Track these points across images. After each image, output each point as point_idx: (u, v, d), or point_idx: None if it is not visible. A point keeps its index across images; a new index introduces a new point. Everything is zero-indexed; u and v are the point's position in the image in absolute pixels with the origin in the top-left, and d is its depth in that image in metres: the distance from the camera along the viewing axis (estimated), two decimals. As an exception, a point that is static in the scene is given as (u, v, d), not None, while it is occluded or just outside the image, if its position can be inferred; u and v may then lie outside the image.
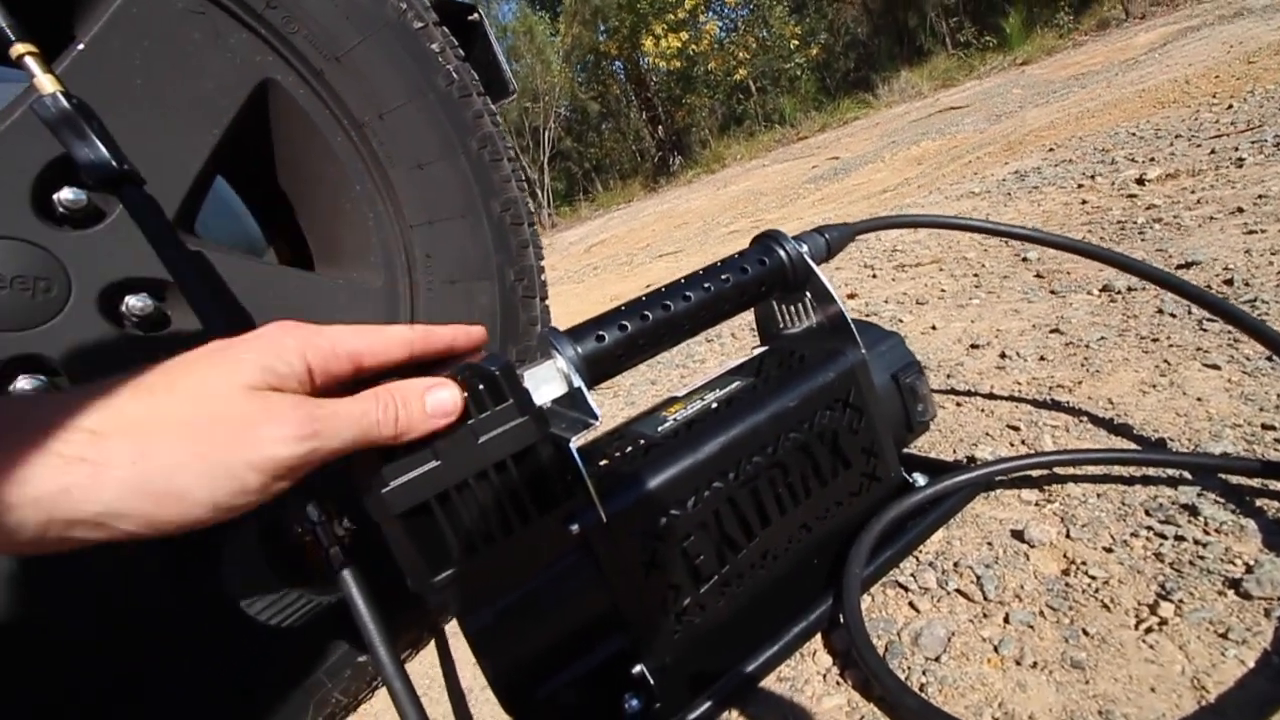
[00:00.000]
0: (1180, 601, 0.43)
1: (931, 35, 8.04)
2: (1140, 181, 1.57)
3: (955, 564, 0.54)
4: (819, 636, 0.52)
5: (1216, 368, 0.68)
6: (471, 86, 0.86)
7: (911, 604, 0.51)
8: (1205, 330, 0.77)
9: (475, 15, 1.11)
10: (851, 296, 1.46)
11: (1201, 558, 0.46)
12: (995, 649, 0.45)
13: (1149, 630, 0.42)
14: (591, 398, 0.48)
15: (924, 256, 1.59)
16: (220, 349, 0.34)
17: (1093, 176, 1.78)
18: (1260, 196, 1.15)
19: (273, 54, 0.73)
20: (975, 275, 1.31)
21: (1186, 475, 0.54)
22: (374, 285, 0.76)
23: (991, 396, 0.79)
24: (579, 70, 10.06)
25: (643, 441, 0.54)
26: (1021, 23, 6.91)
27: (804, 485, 0.54)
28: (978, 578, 0.51)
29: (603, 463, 0.53)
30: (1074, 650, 0.43)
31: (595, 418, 0.47)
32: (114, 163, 0.53)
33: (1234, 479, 0.52)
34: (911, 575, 0.54)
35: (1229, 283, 0.87)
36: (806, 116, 8.13)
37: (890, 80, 7.48)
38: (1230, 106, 2.05)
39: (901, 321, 1.19)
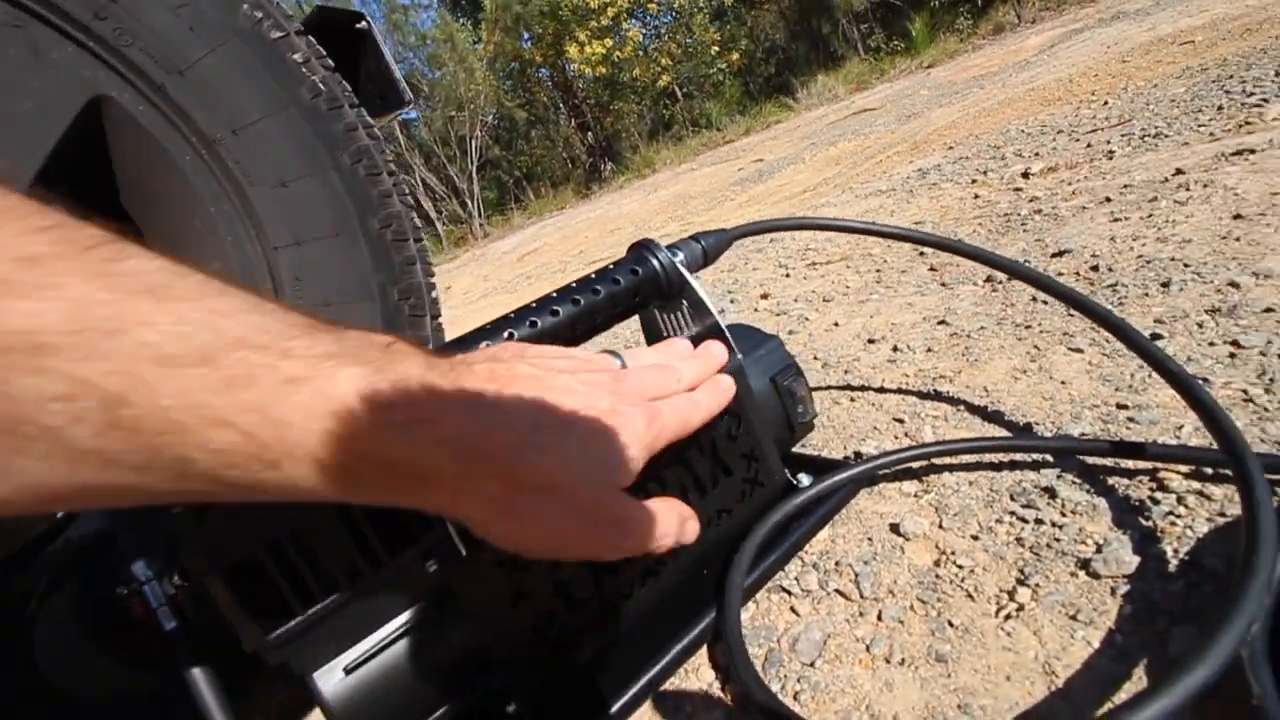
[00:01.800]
0: (1036, 585, 0.44)
1: (844, 41, 8.37)
2: (1025, 175, 1.67)
3: (837, 563, 0.54)
4: (704, 651, 0.50)
5: (1080, 351, 0.72)
6: (343, 98, 0.82)
7: (793, 608, 0.51)
8: (1072, 315, 0.81)
9: (363, 24, 1.06)
10: (765, 296, 1.49)
11: (1057, 540, 0.48)
12: (867, 648, 0.45)
13: (1007, 617, 0.43)
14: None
15: (834, 254, 1.64)
16: (604, 431, 0.32)
17: (985, 172, 1.88)
18: (1125, 186, 1.23)
19: (104, 69, 0.67)
20: (877, 271, 1.35)
21: (1048, 459, 0.57)
22: (237, 313, 0.71)
23: (882, 390, 0.81)
24: (504, 78, 9.94)
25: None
26: (926, 27, 7.28)
27: (683, 497, 0.53)
28: (856, 576, 0.51)
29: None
30: (939, 643, 0.43)
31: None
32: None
33: (1089, 459, 0.54)
34: (795, 578, 0.54)
35: (1095, 269, 0.92)
36: (731, 121, 8.31)
37: (808, 84, 7.74)
38: (1105, 103, 2.20)
39: (808, 319, 1.21)
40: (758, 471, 0.57)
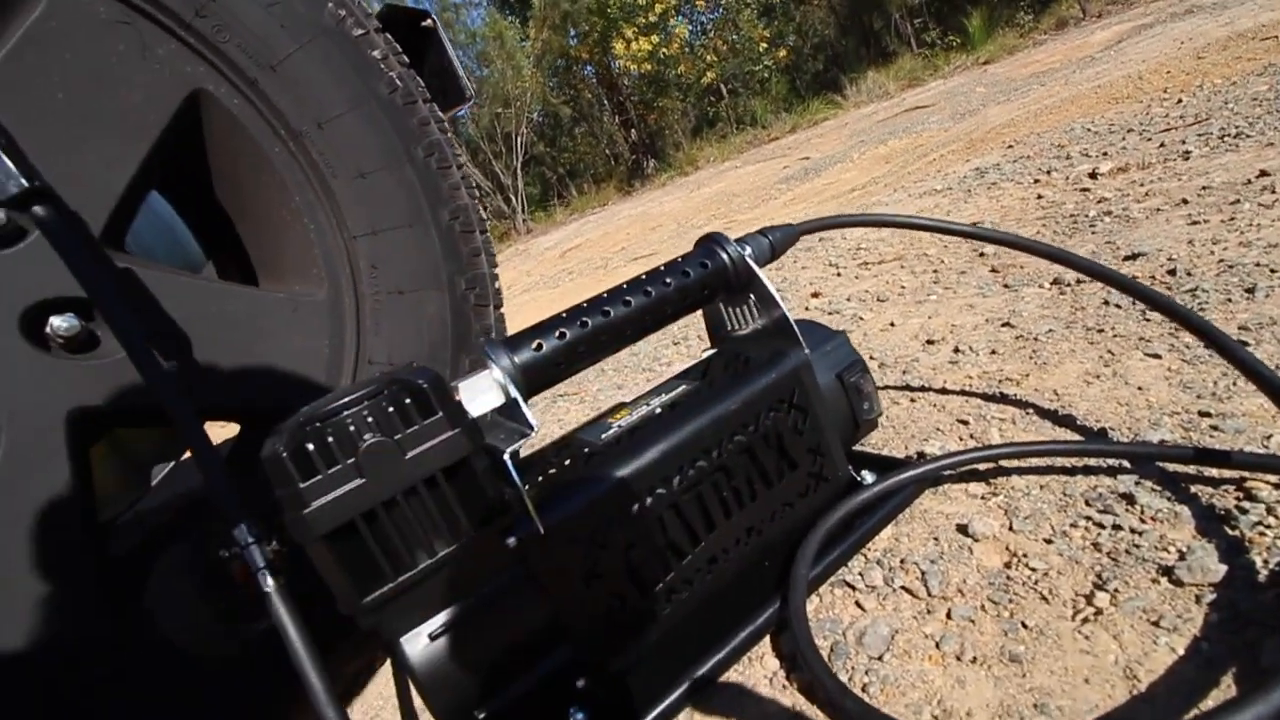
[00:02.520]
0: (1115, 591, 0.44)
1: (896, 36, 8.17)
2: (1093, 176, 1.61)
3: (902, 561, 0.54)
4: (768, 639, 0.51)
5: (1158, 357, 0.69)
6: (417, 93, 0.85)
7: (858, 603, 0.51)
8: (1148, 320, 0.78)
9: (429, 22, 1.09)
10: (815, 295, 1.47)
11: (1137, 546, 0.46)
12: (937, 645, 0.45)
13: (1085, 621, 0.43)
14: (528, 409, 0.47)
15: (887, 254, 1.61)
16: None
17: (1049, 172, 1.82)
18: (1204, 188, 1.17)
19: (203, 64, 0.71)
20: (934, 271, 1.33)
21: (1125, 464, 0.55)
22: (318, 297, 0.75)
23: (944, 391, 0.80)
24: (550, 75, 10.04)
25: (585, 450, 0.53)
26: (983, 23, 7.05)
27: (749, 488, 0.53)
28: (923, 574, 0.51)
29: (544, 474, 0.52)
30: (1012, 644, 0.43)
31: (531, 428, 0.47)
32: (22, 179, 0.52)
33: (1170, 466, 0.53)
34: (859, 574, 0.54)
35: (1172, 273, 0.89)
36: (777, 118, 8.21)
37: (858, 81, 7.58)
38: (1180, 101, 2.11)
39: (862, 319, 1.19)
40: (822, 466, 0.57)
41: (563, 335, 0.51)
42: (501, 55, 9.31)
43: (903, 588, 0.51)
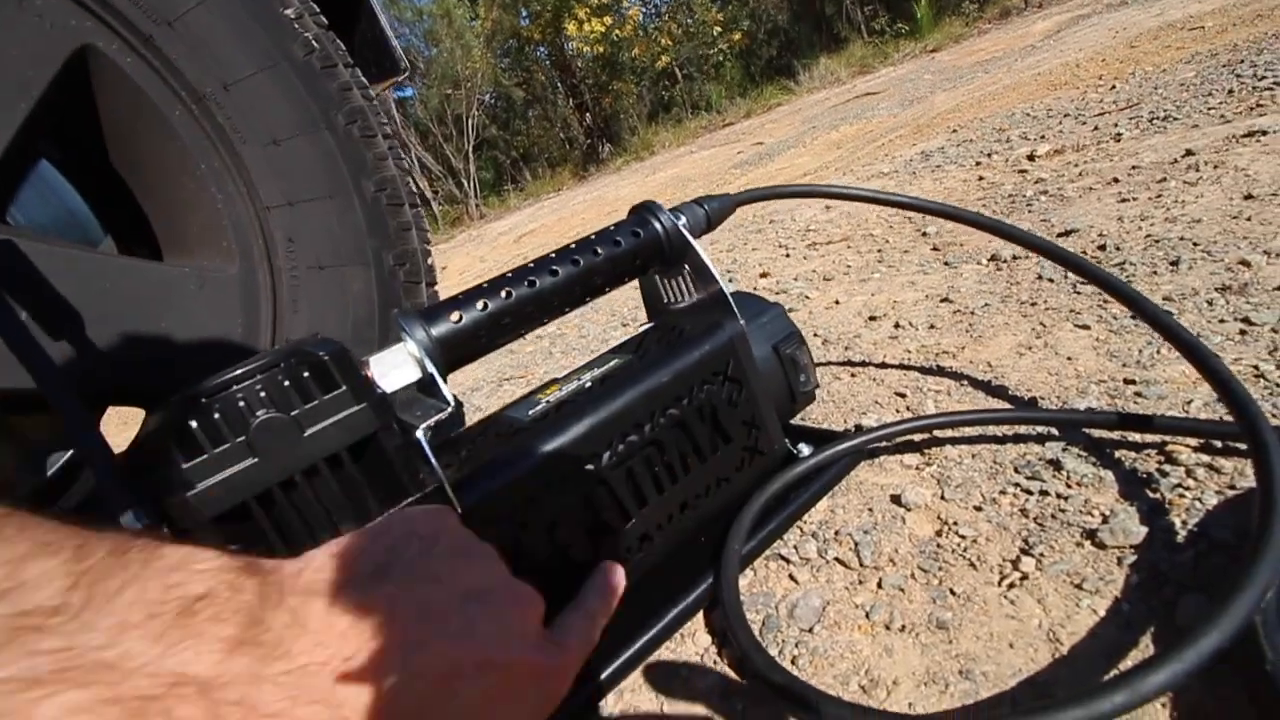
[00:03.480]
0: (1041, 555, 0.44)
1: (848, 23, 8.26)
2: (1031, 158, 1.65)
3: (836, 533, 0.53)
4: (700, 616, 0.50)
5: (1087, 327, 0.71)
6: (337, 57, 0.79)
7: (791, 576, 0.50)
8: (1079, 293, 0.80)
9: (357, -14, 1.03)
10: (764, 275, 1.47)
11: (1063, 510, 0.47)
12: (866, 615, 0.44)
13: (1010, 586, 0.43)
14: (444, 384, 0.44)
15: (835, 235, 1.62)
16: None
17: (989, 155, 1.86)
18: (1134, 167, 1.21)
19: (90, 18, 0.64)
20: (879, 251, 1.34)
21: (1053, 432, 0.56)
22: (228, 272, 0.69)
23: (883, 366, 0.80)
24: (501, 56, 9.79)
25: (511, 427, 0.51)
26: (930, 11, 7.18)
27: (682, 462, 0.52)
28: (855, 545, 0.51)
29: (466, 453, 0.50)
30: (940, 611, 0.43)
31: (448, 404, 0.44)
32: None
33: (1095, 433, 0.54)
34: (794, 547, 0.53)
35: (1102, 248, 0.91)
36: (732, 103, 8.22)
37: (810, 67, 7.64)
38: (1113, 87, 2.18)
39: (808, 297, 1.19)
40: (758, 439, 0.56)
41: (484, 306, 0.48)
42: (450, 34, 9.03)
43: (836, 559, 0.50)
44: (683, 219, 0.58)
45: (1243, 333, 0.60)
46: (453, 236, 7.62)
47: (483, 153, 9.85)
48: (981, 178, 1.65)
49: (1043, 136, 1.83)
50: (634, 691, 0.45)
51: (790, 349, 0.59)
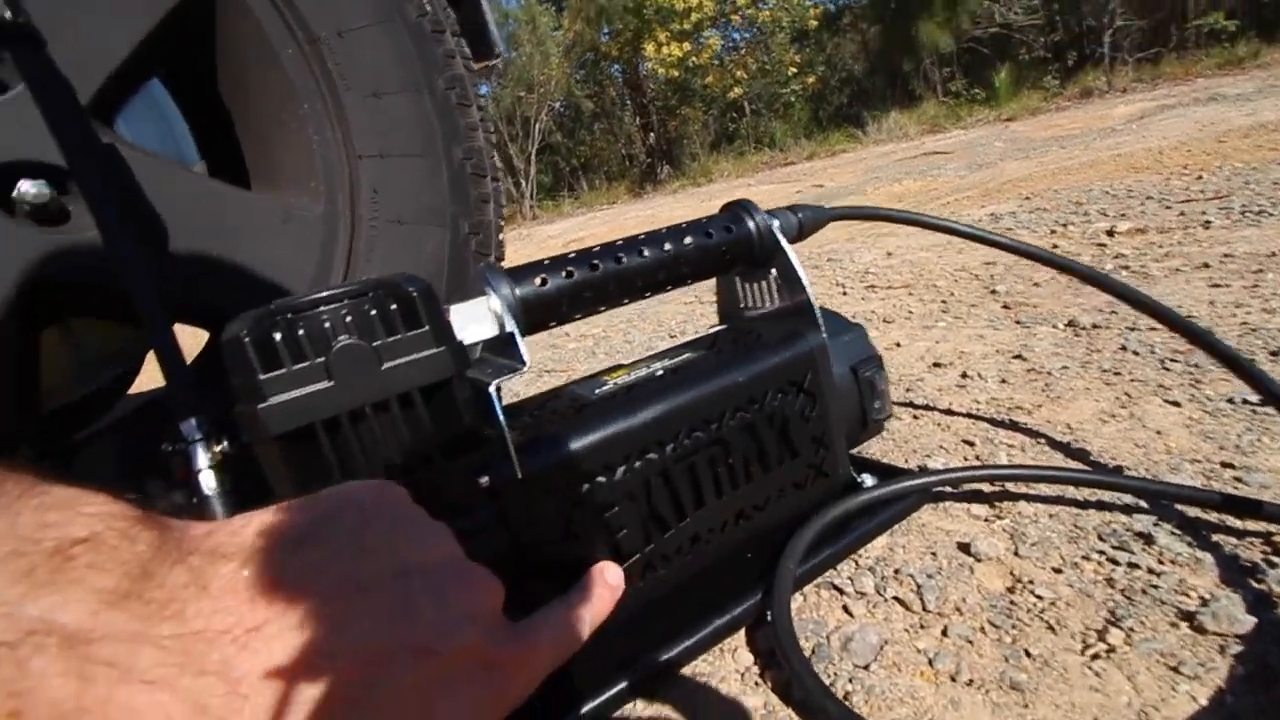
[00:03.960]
0: (1130, 630, 0.40)
1: (924, 81, 8.26)
2: (1110, 233, 1.60)
3: (896, 571, 0.50)
4: (743, 633, 0.47)
5: (1177, 404, 0.67)
6: (446, 24, 0.80)
7: (845, 608, 0.47)
8: (1168, 370, 0.75)
9: (469, -29, 1.05)
10: (820, 309, 1.44)
11: (1155, 587, 0.43)
12: (930, 662, 0.41)
13: (1095, 657, 0.39)
14: (523, 343, 0.43)
15: (895, 281, 1.59)
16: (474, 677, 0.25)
17: (1065, 225, 1.81)
18: (1226, 255, 1.16)
19: (224, -53, 0.66)
20: (943, 301, 1.30)
21: (1142, 504, 0.52)
22: (313, 212, 0.70)
23: (949, 413, 0.77)
24: (577, 67, 10.02)
25: (577, 402, 0.49)
26: (1010, 80, 7.14)
27: (745, 469, 0.49)
28: (918, 587, 0.47)
29: (529, 420, 0.48)
30: (1014, 671, 0.39)
31: (523, 363, 0.42)
32: (6, 10, 0.46)
33: (1191, 511, 0.50)
34: (849, 578, 0.50)
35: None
36: (796, 143, 8.25)
37: (880, 119, 7.64)
38: (1200, 177, 2.12)
39: (867, 336, 1.16)
40: (824, 459, 0.54)
41: (569, 274, 0.47)
42: (532, 40, 9.28)
43: (895, 598, 0.47)
44: (776, 222, 0.56)
45: (1359, 433, 0.56)
46: (504, 231, 7.72)
47: (545, 157, 10.04)
48: (1055, 246, 1.60)
49: (1123, 215, 1.78)
50: (665, 703, 0.42)
51: (869, 371, 0.56)
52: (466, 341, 0.44)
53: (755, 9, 8.68)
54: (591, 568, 0.39)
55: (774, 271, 0.56)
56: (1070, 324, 0.99)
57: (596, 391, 0.50)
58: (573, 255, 0.49)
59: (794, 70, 8.96)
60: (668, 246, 0.51)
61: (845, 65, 9.63)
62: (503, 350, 0.45)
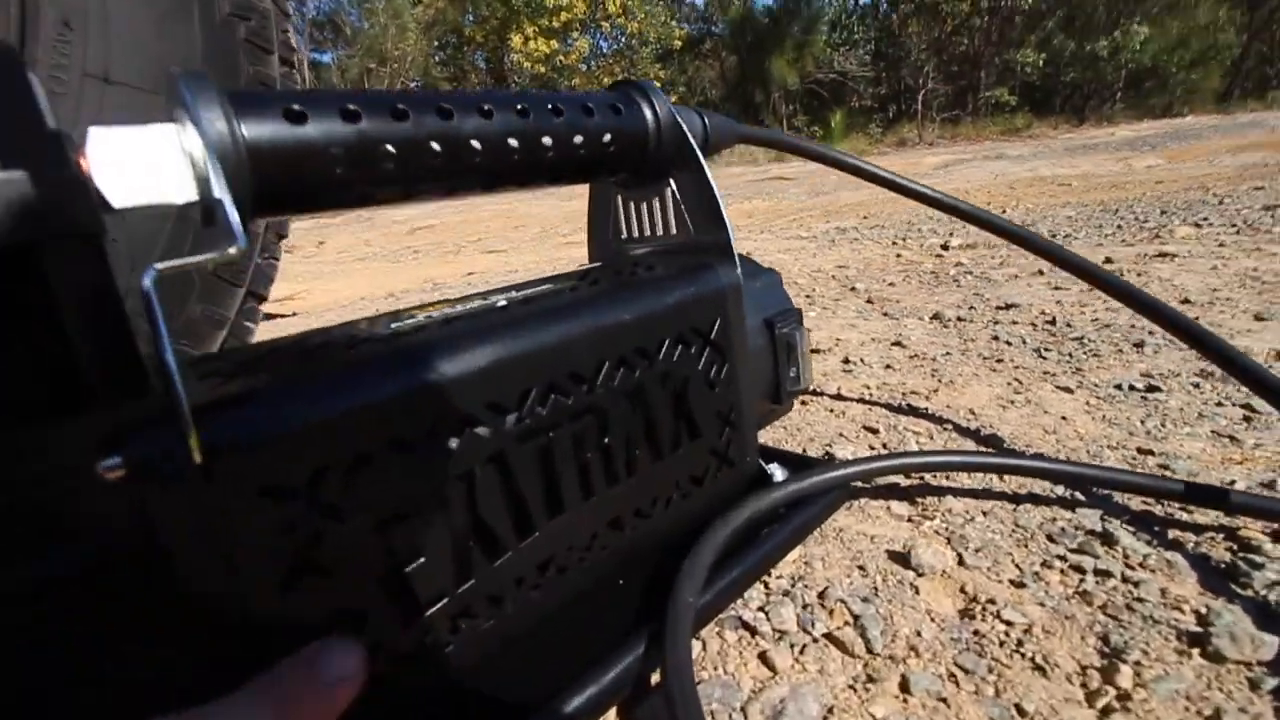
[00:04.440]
0: (1138, 665, 0.30)
1: (773, 114, 8.86)
2: (945, 247, 1.69)
3: (821, 595, 0.36)
4: (613, 713, 0.30)
5: (1070, 390, 0.62)
6: None
7: (764, 656, 0.33)
8: (1044, 358, 0.72)
9: None
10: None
11: (1140, 600, 0.34)
12: (898, 739, 0.27)
13: (1109, 711, 0.28)
14: (234, 212, 0.23)
15: (759, 276, 1.53)
16: None
17: (903, 239, 1.90)
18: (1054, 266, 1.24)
19: None
20: (808, 296, 1.25)
21: (1079, 496, 0.44)
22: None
23: (840, 398, 0.67)
24: (437, 48, 9.39)
25: (352, 338, 0.29)
26: (843, 123, 7.89)
27: (628, 455, 0.33)
28: (854, 617, 0.34)
29: (253, 368, 0.27)
30: (1014, 743, 0.27)
31: (237, 241, 0.22)
32: None
33: (1134, 503, 0.42)
34: (761, 610, 0.35)
35: (1051, 322, 0.86)
36: (655, 156, 8.40)
37: (733, 142, 8.04)
38: (1004, 211, 2.37)
39: (739, 323, 1.07)
40: (730, 442, 0.39)
41: (354, 117, 0.27)
42: (387, 11, 8.50)
43: (827, 637, 0.33)
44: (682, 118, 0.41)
45: (1247, 419, 0.53)
46: (342, 214, 6.93)
47: (389, 137, 9.23)
48: (900, 255, 1.66)
49: (951, 234, 1.91)
50: None
51: (787, 327, 0.43)
52: (121, 202, 0.22)
53: (625, 19, 8.75)
54: (298, 653, 0.21)
55: (671, 188, 0.41)
56: (935, 316, 0.96)
57: (392, 326, 0.31)
58: (367, 92, 0.29)
59: (658, 84, 9.18)
60: (526, 111, 0.33)
61: (704, 89, 10.07)
62: (203, 220, 0.24)
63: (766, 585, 0.38)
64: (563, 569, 0.31)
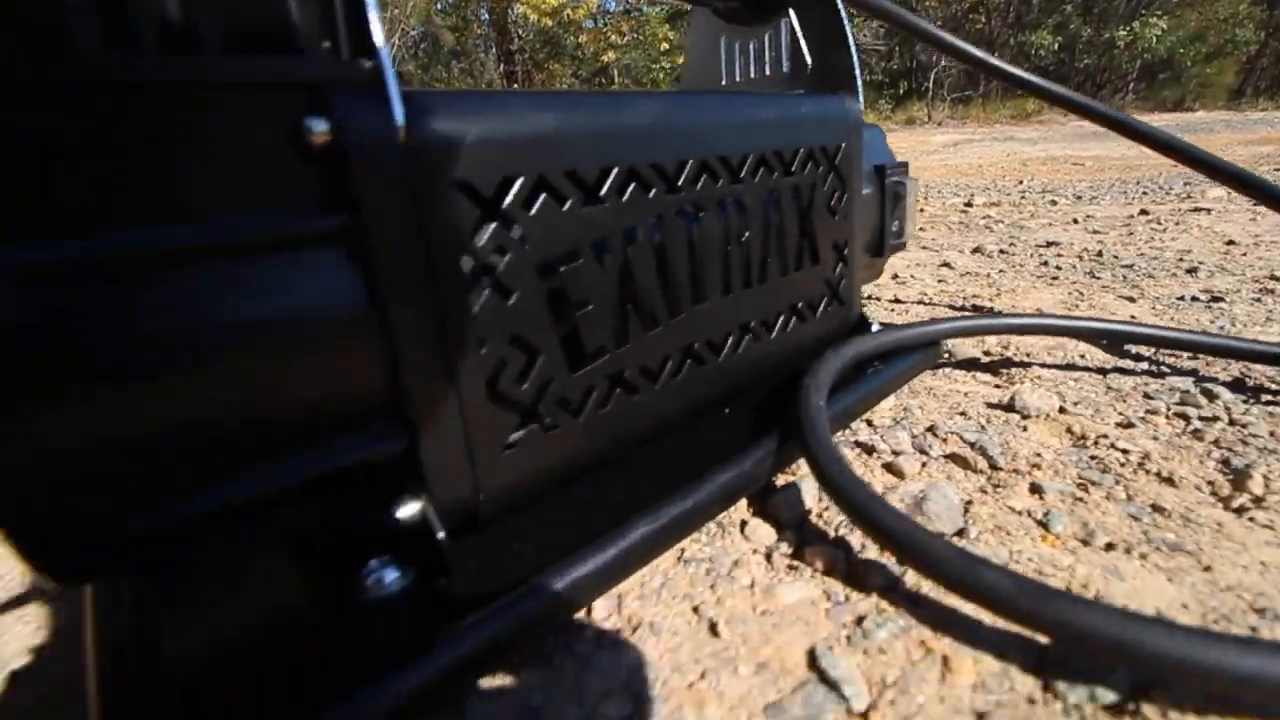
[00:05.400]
0: (1266, 478, 0.30)
1: (781, 84, 8.70)
2: (968, 205, 1.68)
3: (929, 429, 0.36)
4: (742, 505, 0.30)
5: (1132, 300, 0.62)
6: None
7: (889, 466, 0.33)
8: (1098, 279, 0.72)
9: None
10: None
11: (1253, 436, 0.34)
12: (1042, 524, 0.27)
13: (1243, 509, 0.28)
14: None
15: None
16: None
17: (924, 197, 1.89)
18: (1088, 216, 1.24)
19: None
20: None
21: (1165, 368, 0.44)
22: None
23: (898, 301, 0.67)
24: (439, -6, 9.09)
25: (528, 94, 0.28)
26: (853, 98, 7.77)
27: (762, 258, 0.32)
28: (970, 444, 0.34)
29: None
30: (1158, 530, 0.27)
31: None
32: None
33: (1225, 373, 0.43)
34: (879, 436, 0.35)
35: (1098, 255, 0.86)
36: (661, 120, 8.24)
37: (741, 111, 7.92)
38: (1020, 182, 2.36)
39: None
40: (842, 280, 0.38)
41: None
42: (387, -49, 8.18)
43: (947, 457, 0.33)
44: (796, -46, 0.39)
45: (1314, 325, 0.54)
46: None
47: (389, 85, 8.96)
48: (923, 209, 1.65)
49: (973, 195, 1.90)
50: (642, 605, 0.24)
51: (897, 178, 0.42)
52: None
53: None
54: None
55: (791, 20, 0.39)
56: (976, 249, 0.96)
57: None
58: None
59: (666, 46, 8.95)
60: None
61: (711, 55, 9.87)
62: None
63: (870, 423, 0.38)
64: (701, 361, 0.31)
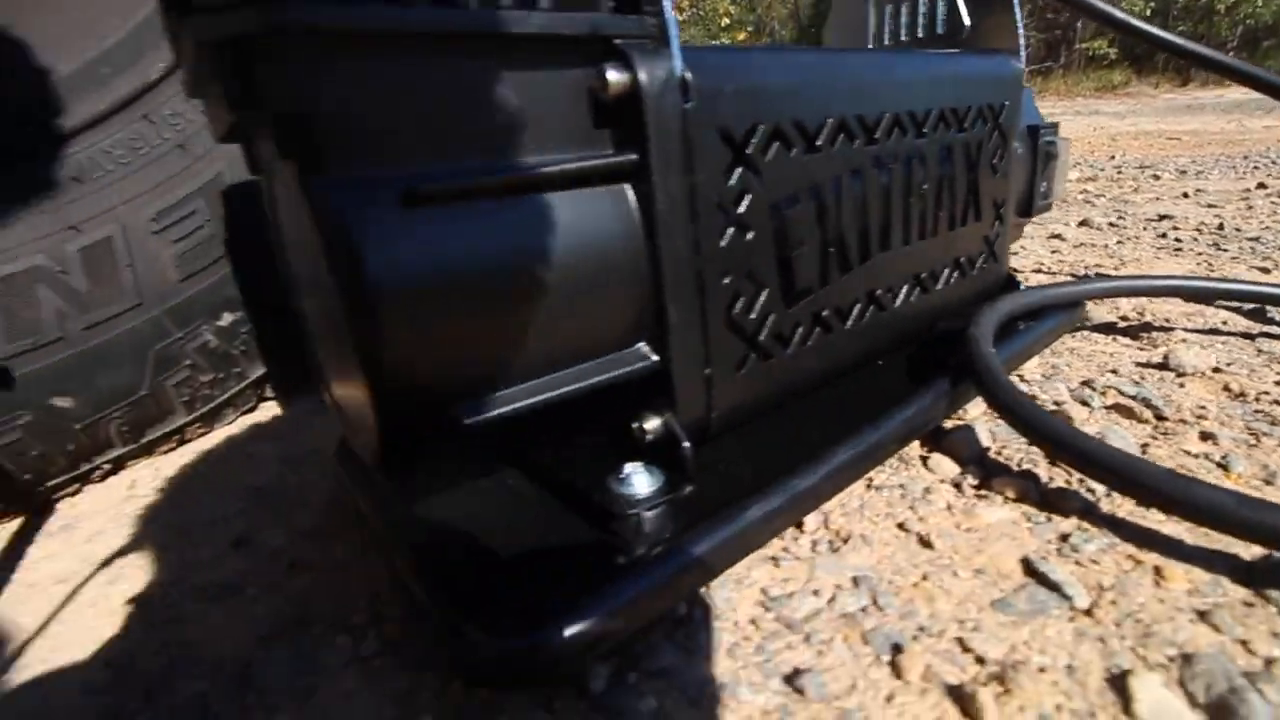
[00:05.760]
0: None
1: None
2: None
3: (1085, 383, 0.37)
4: (915, 445, 0.32)
5: (1266, 270, 0.60)
6: None
7: (1054, 411, 0.34)
8: (1224, 251, 0.70)
9: None
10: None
11: None
12: (1221, 466, 0.29)
13: None
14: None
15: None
16: None
17: (1012, 173, 1.82)
18: (1199, 190, 1.18)
19: None
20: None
21: (1321, 336, 0.43)
22: None
23: (1014, 270, 0.66)
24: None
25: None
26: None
27: (935, 208, 0.34)
28: (1133, 396, 0.35)
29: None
30: (1348, 476, 0.28)
31: None
32: None
33: (1382, 343, 0.42)
34: (1034, 388, 0.37)
35: (1218, 228, 0.83)
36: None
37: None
38: (1113, 158, 2.24)
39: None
40: (998, 237, 0.40)
41: None
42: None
43: (1111, 407, 0.35)
44: (957, -85, 0.40)
45: None
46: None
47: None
48: (1012, 185, 1.59)
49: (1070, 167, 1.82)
50: (849, 519, 0.27)
51: (1049, 137, 0.42)
52: None
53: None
54: None
55: (948, -20, 0.40)
56: (1083, 223, 0.93)
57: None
58: None
59: (726, 21, 8.78)
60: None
61: (774, 30, 9.62)
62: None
63: (1022, 377, 0.39)
64: (881, 308, 0.33)
